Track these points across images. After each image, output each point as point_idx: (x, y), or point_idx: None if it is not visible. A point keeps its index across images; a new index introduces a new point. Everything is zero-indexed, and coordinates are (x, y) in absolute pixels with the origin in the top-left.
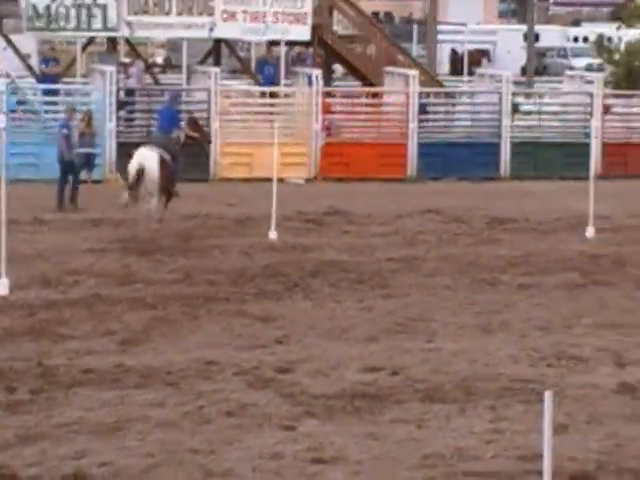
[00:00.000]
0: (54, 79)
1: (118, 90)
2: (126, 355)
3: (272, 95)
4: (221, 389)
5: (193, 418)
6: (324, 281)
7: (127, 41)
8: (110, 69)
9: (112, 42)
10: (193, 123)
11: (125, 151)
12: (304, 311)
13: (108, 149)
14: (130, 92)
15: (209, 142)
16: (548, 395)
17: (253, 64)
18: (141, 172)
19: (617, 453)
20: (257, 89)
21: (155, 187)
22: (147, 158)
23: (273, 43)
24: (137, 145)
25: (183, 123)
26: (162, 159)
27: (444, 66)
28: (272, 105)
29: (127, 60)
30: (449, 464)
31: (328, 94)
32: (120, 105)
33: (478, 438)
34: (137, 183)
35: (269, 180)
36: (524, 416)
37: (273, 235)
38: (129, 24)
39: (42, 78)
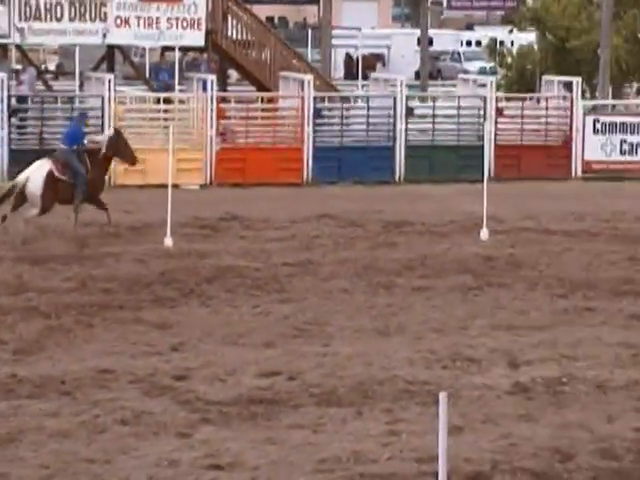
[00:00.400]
0: None
1: (10, 97)
2: (19, 365)
3: (166, 101)
4: (116, 397)
5: (88, 427)
6: (220, 287)
7: (18, 47)
8: (1, 76)
9: (3, 48)
10: (116, 141)
11: (17, 158)
12: (200, 317)
13: (0, 157)
14: (22, 99)
15: (133, 163)
16: (442, 397)
17: (147, 70)
18: (18, 185)
19: (511, 453)
20: (151, 95)
21: (36, 200)
22: (33, 171)
23: (167, 49)
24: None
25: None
26: (51, 173)
27: (339, 71)
28: (167, 111)
29: (19, 67)
30: (346, 468)
31: (223, 99)
32: (12, 112)
33: (374, 441)
34: (7, 196)
35: (164, 186)
36: (420, 418)
37: (169, 242)
38: (20, 30)
39: None
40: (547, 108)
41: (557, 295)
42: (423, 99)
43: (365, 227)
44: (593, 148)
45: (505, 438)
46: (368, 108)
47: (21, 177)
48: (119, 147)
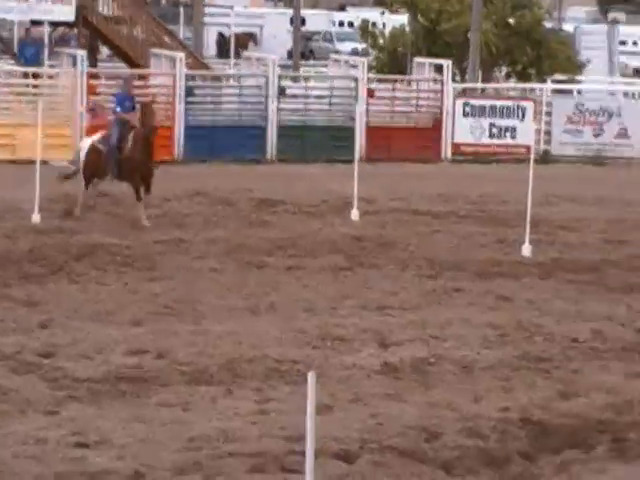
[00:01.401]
0: None
1: None
2: None
3: (35, 76)
4: None
5: None
6: (89, 264)
7: None
8: None
9: None
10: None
11: None
12: (68, 294)
13: None
14: None
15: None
16: (311, 376)
17: (15, 44)
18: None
19: (379, 432)
20: (19, 70)
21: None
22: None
23: (36, 23)
24: None
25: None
26: (94, 147)
27: (211, 49)
28: (35, 86)
29: None
30: (215, 446)
31: (93, 76)
32: None
33: (244, 419)
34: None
35: (33, 162)
36: (290, 397)
37: (36, 218)
38: None
39: None
40: (418, 90)
41: (426, 276)
42: (295, 79)
43: (237, 206)
44: (462, 131)
45: (373, 417)
46: (240, 87)
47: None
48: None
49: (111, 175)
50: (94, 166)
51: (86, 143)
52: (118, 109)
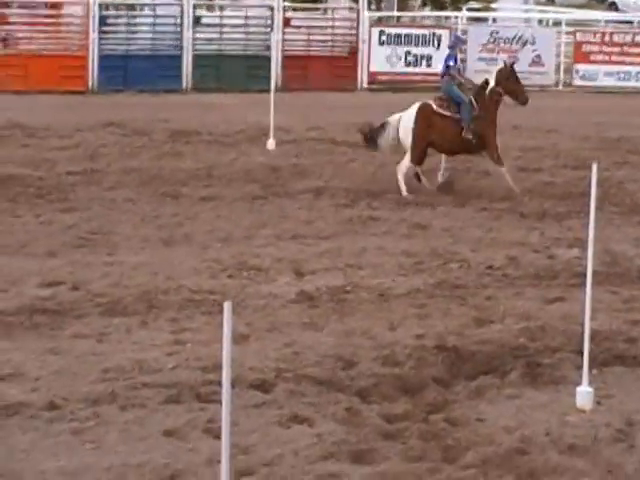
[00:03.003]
0: None
1: None
2: None
3: None
4: None
5: None
6: (2, 196)
7: None
8: None
9: None
10: (507, 75)
11: None
12: None
13: None
14: None
15: (524, 103)
16: (227, 305)
17: None
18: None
19: (295, 360)
20: None
21: (406, 141)
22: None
23: None
24: None
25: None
26: (427, 106)
27: None
28: None
29: None
30: (129, 377)
31: (5, 4)
32: None
33: (159, 350)
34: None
35: None
36: (205, 327)
37: None
38: None
39: None
40: (334, 19)
41: (342, 205)
42: (210, 8)
43: (151, 136)
44: (378, 59)
45: (289, 346)
46: (155, 16)
47: (393, 117)
48: (509, 83)
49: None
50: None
51: (410, 110)
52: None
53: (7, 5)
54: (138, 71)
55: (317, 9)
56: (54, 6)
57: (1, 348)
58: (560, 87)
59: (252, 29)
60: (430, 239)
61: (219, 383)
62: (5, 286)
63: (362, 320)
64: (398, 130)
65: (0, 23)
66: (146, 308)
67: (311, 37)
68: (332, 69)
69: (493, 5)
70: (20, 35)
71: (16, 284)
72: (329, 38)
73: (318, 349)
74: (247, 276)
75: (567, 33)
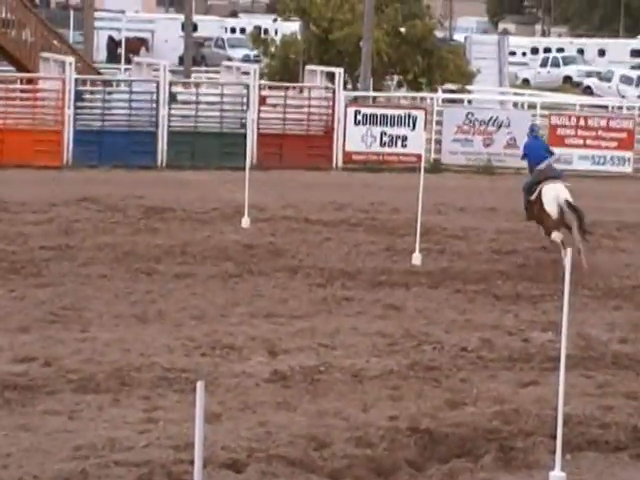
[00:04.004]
0: None
1: None
2: None
3: None
4: None
5: None
6: None
7: None
8: None
9: None
10: None
11: None
12: None
13: None
14: None
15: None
16: (200, 385)
17: None
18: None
19: (267, 440)
20: None
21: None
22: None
23: None
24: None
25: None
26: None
27: (101, 53)
28: None
29: None
30: (101, 455)
31: None
32: None
33: (131, 428)
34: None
35: None
36: (178, 405)
37: None
38: None
39: None
40: (310, 98)
41: (316, 284)
42: (186, 85)
43: (125, 212)
44: (354, 139)
45: (262, 426)
46: (131, 92)
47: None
48: None
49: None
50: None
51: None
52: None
53: None
54: (113, 147)
55: (293, 88)
56: (30, 81)
57: None
58: None
59: (228, 107)
60: (404, 320)
61: (191, 462)
62: None
63: (335, 401)
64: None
65: None
66: (118, 385)
67: (287, 115)
68: (307, 148)
69: (469, 87)
70: None
71: None
72: (305, 117)
73: (291, 429)
74: (220, 354)
75: (542, 116)
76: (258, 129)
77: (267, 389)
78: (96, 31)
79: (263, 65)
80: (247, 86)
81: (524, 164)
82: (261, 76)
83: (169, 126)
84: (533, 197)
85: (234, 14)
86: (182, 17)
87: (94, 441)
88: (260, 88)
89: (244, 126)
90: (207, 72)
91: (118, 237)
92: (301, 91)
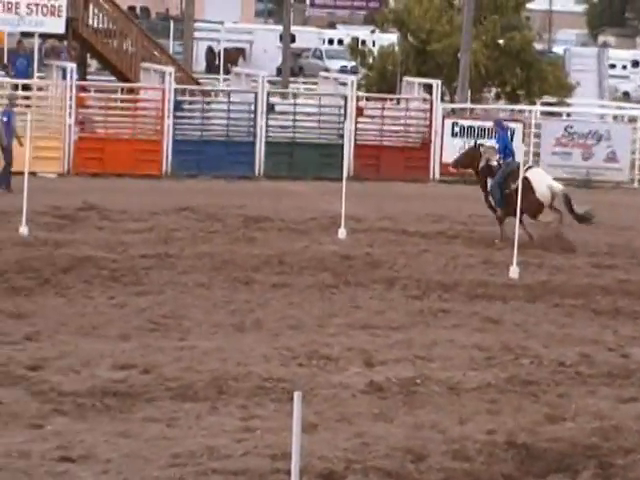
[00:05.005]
0: None
1: None
2: None
3: (25, 88)
4: None
5: None
6: (76, 277)
7: None
8: None
9: None
10: None
11: None
12: (55, 307)
13: None
14: None
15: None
16: (297, 395)
17: (5, 56)
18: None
19: (364, 452)
20: (9, 81)
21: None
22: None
23: (26, 35)
24: None
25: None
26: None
27: (200, 64)
28: (25, 98)
29: None
30: (199, 462)
31: (83, 88)
32: None
33: (229, 436)
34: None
35: (21, 174)
36: (275, 415)
37: (24, 230)
38: None
39: None
40: (407, 109)
41: (413, 296)
42: (284, 96)
43: (224, 222)
44: (451, 151)
45: (359, 437)
46: (229, 103)
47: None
48: None
49: None
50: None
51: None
52: None
53: (85, 89)
54: (212, 157)
55: (390, 99)
56: (130, 91)
57: (74, 429)
58: (635, 184)
59: (325, 117)
60: (502, 333)
61: (288, 472)
62: (78, 367)
63: (432, 413)
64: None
65: (78, 107)
66: (216, 394)
67: (384, 127)
68: (405, 159)
69: (568, 100)
70: (97, 119)
71: (89, 366)
72: (402, 128)
73: (388, 441)
74: (317, 365)
75: None
76: (355, 140)
77: (363, 400)
78: (195, 41)
79: (361, 76)
80: (344, 97)
81: (624, 177)
82: (358, 87)
83: (267, 136)
84: (514, 186)
85: (332, 25)
86: (280, 28)
87: (192, 449)
88: (357, 99)
89: (341, 137)
90: (305, 83)
91: (217, 246)
92: (398, 102)
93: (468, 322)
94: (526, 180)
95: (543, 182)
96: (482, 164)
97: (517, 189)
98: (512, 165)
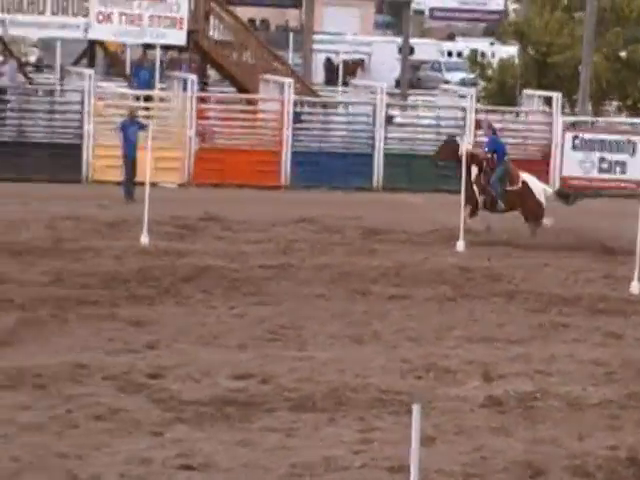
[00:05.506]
0: None
1: None
2: None
3: (147, 99)
4: (90, 393)
5: (61, 422)
6: (196, 287)
7: (0, 39)
8: None
9: None
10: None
11: None
12: (176, 316)
13: None
14: (2, 90)
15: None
16: (416, 408)
17: (128, 67)
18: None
19: (483, 466)
20: (132, 92)
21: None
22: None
23: (148, 47)
24: None
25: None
26: None
27: (319, 75)
28: (147, 109)
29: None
30: (317, 473)
31: (203, 100)
32: None
33: (347, 448)
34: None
35: (142, 184)
36: (393, 427)
37: (145, 239)
38: (2, 22)
39: None
40: (527, 122)
41: (533, 310)
42: (403, 108)
43: (343, 233)
44: (571, 164)
45: (477, 451)
46: (348, 114)
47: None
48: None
49: None
50: None
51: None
52: None
53: (205, 101)
54: (330, 168)
55: (510, 112)
56: (250, 102)
57: (193, 437)
58: None
59: (444, 129)
60: (623, 349)
61: None
62: (198, 376)
63: (552, 428)
64: None
65: (198, 118)
66: (334, 405)
67: (504, 140)
68: (524, 172)
69: None
70: (217, 130)
71: (209, 375)
72: (521, 141)
73: (506, 455)
74: (435, 377)
75: None
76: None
77: (482, 414)
78: (314, 53)
79: (480, 88)
80: (463, 109)
81: None
82: (478, 99)
83: (385, 148)
84: (515, 187)
85: (451, 37)
86: (399, 40)
87: (310, 459)
88: (477, 111)
89: None
90: (423, 95)
91: (336, 258)
92: (518, 115)
93: (588, 337)
94: (524, 184)
95: (537, 184)
96: (463, 151)
97: (515, 191)
98: (510, 164)
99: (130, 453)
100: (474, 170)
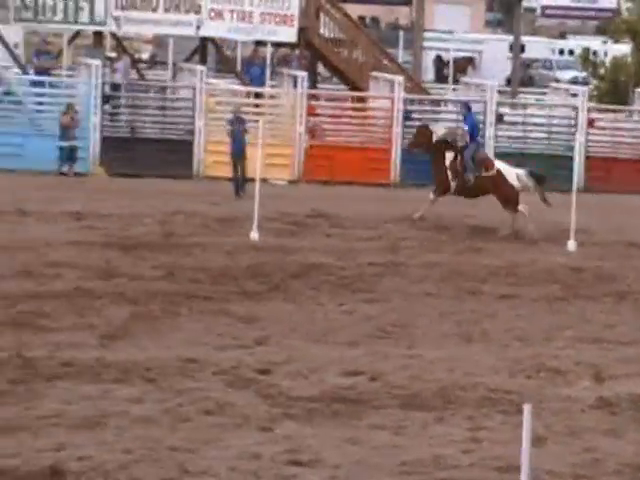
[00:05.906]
0: (47, 72)
1: (103, 84)
2: (106, 350)
3: (257, 96)
4: (200, 388)
5: (172, 415)
6: (306, 283)
7: (113, 36)
8: (96, 63)
9: (98, 36)
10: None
11: (108, 145)
12: (285, 313)
13: (92, 143)
14: (115, 87)
15: None
16: (527, 407)
17: (239, 64)
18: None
19: (594, 467)
20: (242, 89)
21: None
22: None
23: (259, 43)
24: None
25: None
26: None
27: (429, 73)
28: (257, 105)
29: (113, 55)
30: (427, 472)
31: (313, 97)
32: (105, 99)
33: (456, 447)
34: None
35: (253, 180)
36: (503, 427)
37: (255, 235)
38: (116, 19)
39: (36, 71)
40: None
41: None
42: (514, 106)
43: (452, 231)
44: None
45: (588, 452)
46: (458, 112)
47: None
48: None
49: None
50: None
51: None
52: None
53: (315, 98)
54: None
55: (622, 111)
56: (360, 99)
57: (302, 433)
58: None
59: (555, 128)
60: None
61: None
62: (306, 373)
63: None
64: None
65: (308, 115)
66: (443, 403)
67: (617, 139)
68: (638, 172)
69: None
70: (326, 127)
71: (318, 372)
72: (636, 140)
73: (618, 457)
74: (545, 377)
75: None
76: (586, 152)
77: (593, 415)
78: (424, 51)
79: (592, 87)
80: (575, 108)
81: None
82: (590, 98)
83: (496, 147)
84: (490, 173)
85: (563, 35)
86: (510, 38)
87: (420, 457)
88: (589, 110)
89: (571, 149)
90: (534, 93)
91: (445, 256)
92: (631, 114)
93: None
94: (499, 171)
95: (509, 170)
96: (436, 139)
97: (490, 177)
98: (482, 150)
99: (240, 448)
100: (449, 156)
